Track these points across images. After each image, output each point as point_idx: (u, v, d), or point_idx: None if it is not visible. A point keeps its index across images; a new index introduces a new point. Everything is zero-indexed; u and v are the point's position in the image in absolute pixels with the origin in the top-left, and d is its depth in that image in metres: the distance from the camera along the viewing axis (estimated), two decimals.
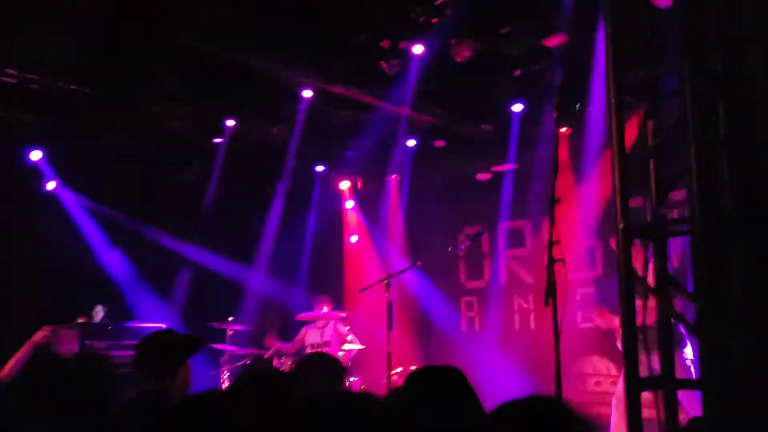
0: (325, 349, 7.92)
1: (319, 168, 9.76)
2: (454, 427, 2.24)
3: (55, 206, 8.45)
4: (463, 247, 7.66)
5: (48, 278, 8.08)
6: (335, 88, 7.34)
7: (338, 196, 10.14)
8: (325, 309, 8.16)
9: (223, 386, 7.27)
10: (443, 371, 2.47)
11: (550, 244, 3.68)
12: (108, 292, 8.34)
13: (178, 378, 3.12)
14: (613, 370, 7.76)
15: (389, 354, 6.28)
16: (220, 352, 7.70)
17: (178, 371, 3.13)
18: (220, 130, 8.37)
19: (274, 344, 7.95)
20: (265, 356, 7.96)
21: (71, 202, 8.62)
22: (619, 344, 5.03)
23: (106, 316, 7.81)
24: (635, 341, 3.08)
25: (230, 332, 7.73)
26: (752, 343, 2.78)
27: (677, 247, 4.81)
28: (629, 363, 3.09)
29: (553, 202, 3.84)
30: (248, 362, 7.90)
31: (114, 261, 8.73)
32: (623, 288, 3.12)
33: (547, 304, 3.55)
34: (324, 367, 3.13)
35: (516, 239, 8.96)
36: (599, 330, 6.50)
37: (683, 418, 3.68)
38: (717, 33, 3.15)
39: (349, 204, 10.14)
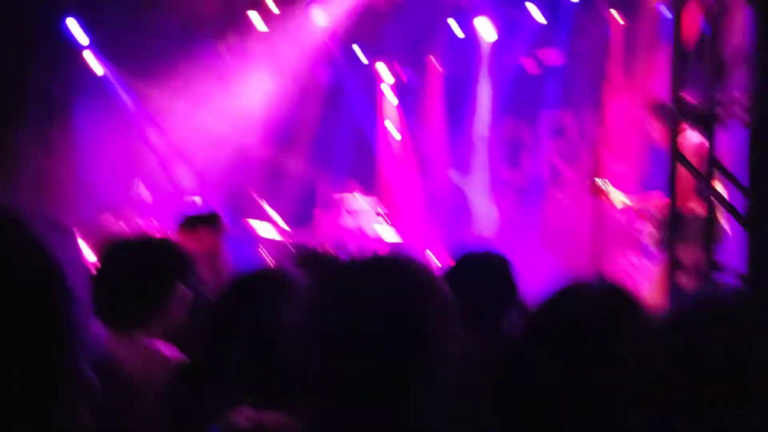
0: (363, 240, 7.99)
1: (360, 57, 9.48)
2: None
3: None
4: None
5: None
6: None
7: (378, 88, 9.91)
8: (357, 193, 8.17)
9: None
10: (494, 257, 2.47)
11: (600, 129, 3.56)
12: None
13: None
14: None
15: (426, 245, 6.27)
16: (261, 239, 7.79)
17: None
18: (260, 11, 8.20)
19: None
20: (308, 243, 8.05)
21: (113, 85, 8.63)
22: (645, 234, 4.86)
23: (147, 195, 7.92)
24: (678, 226, 3.01)
25: (268, 214, 7.80)
26: None
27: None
28: (670, 247, 3.03)
29: (603, 86, 3.69)
30: (289, 246, 8.01)
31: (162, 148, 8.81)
32: (670, 171, 3.02)
33: (594, 188, 3.46)
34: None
35: (558, 130, 8.76)
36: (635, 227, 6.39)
37: None
38: None
39: (390, 96, 9.89)
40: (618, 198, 4.79)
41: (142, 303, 2.16)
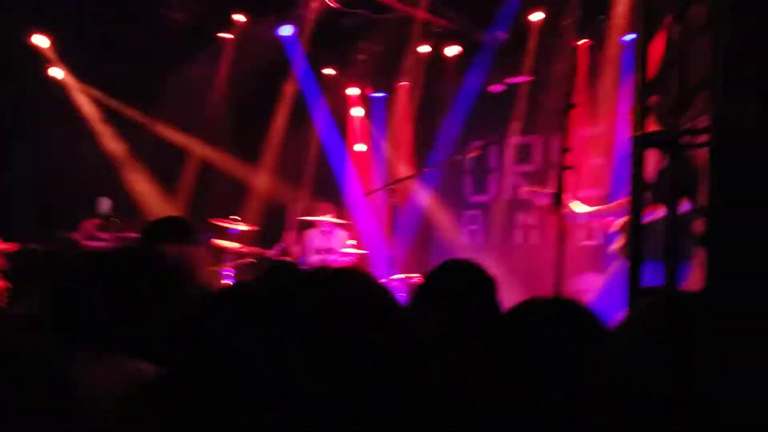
0: (329, 255, 7.98)
1: (328, 71, 9.57)
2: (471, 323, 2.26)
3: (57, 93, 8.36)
4: (470, 156, 7.53)
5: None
6: None
7: (345, 102, 9.99)
8: (329, 216, 8.16)
9: (223, 282, 7.33)
10: (470, 267, 2.48)
11: (563, 151, 3.61)
12: (112, 186, 8.36)
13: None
14: None
15: (390, 259, 6.29)
16: (221, 249, 7.74)
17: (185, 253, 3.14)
18: (228, 24, 8.18)
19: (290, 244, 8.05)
20: (270, 255, 8.02)
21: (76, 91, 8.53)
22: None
23: (111, 208, 7.83)
24: (640, 248, 3.05)
25: (233, 230, 7.74)
26: (761, 262, 2.75)
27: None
28: (633, 271, 3.07)
29: (568, 107, 3.75)
30: (253, 261, 7.97)
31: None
32: (633, 196, 3.07)
33: (556, 209, 3.50)
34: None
35: (524, 155, 8.86)
36: (599, 247, 6.46)
37: None
38: None
39: (357, 111, 9.99)
40: (579, 210, 4.83)
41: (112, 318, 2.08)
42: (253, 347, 1.32)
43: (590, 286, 8.17)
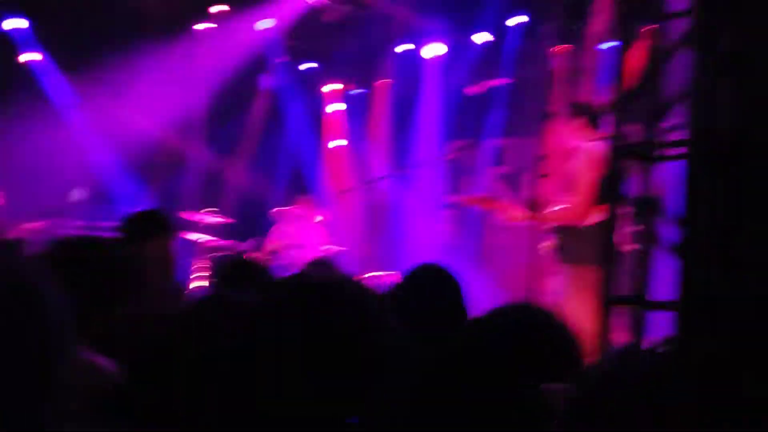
0: (302, 250, 7.94)
1: (304, 66, 9.52)
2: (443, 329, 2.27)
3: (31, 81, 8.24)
4: (448, 157, 7.56)
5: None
6: None
7: (322, 98, 9.96)
8: (303, 209, 8.13)
9: (193, 276, 7.28)
10: (440, 271, 2.50)
11: (539, 157, 3.63)
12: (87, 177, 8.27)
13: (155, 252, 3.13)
14: None
15: (364, 258, 6.28)
16: (193, 243, 7.68)
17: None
18: (204, 15, 8.13)
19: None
20: (243, 249, 7.97)
21: (50, 78, 8.41)
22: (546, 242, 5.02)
23: (85, 198, 7.73)
24: (612, 260, 3.08)
25: (206, 223, 7.69)
26: (732, 273, 2.79)
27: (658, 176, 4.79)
28: (605, 282, 3.10)
29: (545, 115, 3.77)
30: (226, 254, 7.91)
31: (96, 147, 8.62)
32: (608, 207, 3.10)
33: (530, 216, 3.53)
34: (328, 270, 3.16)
35: (500, 157, 8.90)
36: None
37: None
38: None
39: (334, 107, 9.96)
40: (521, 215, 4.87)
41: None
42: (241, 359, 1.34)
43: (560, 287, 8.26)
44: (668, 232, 3.45)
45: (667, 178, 4.15)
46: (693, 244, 2.73)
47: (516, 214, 4.94)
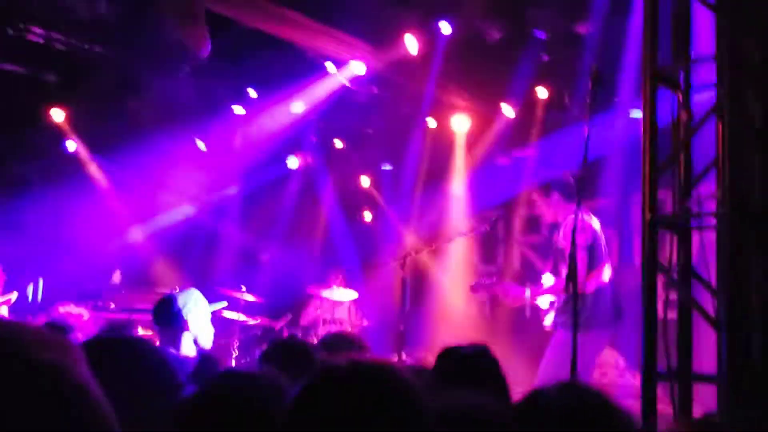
0: (337, 327, 7.94)
1: (338, 143, 9.71)
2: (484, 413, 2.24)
3: (76, 167, 8.50)
4: (478, 230, 7.58)
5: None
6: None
7: (355, 173, 10.10)
8: (337, 285, 8.16)
9: (234, 355, 7.30)
10: (477, 351, 2.47)
11: (574, 230, 3.64)
12: (122, 257, 8.41)
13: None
14: (621, 362, 7.71)
15: (401, 333, 6.24)
16: (230, 322, 7.71)
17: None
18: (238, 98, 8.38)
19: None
20: (276, 327, 7.98)
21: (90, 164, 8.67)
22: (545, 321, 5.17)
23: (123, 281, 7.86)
24: (655, 332, 3.05)
25: (242, 301, 7.74)
26: None
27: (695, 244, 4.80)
28: (648, 355, 3.06)
29: (581, 188, 3.80)
30: (259, 333, 7.93)
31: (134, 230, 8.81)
32: (646, 278, 3.08)
33: (567, 289, 3.52)
34: (351, 347, 3.15)
35: (532, 226, 8.90)
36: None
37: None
38: (756, 21, 3.09)
39: (366, 182, 10.09)
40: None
41: None
42: None
43: (599, 360, 8.10)
44: (705, 299, 3.42)
45: (697, 246, 4.16)
46: (734, 314, 2.71)
47: (517, 295, 5.13)
